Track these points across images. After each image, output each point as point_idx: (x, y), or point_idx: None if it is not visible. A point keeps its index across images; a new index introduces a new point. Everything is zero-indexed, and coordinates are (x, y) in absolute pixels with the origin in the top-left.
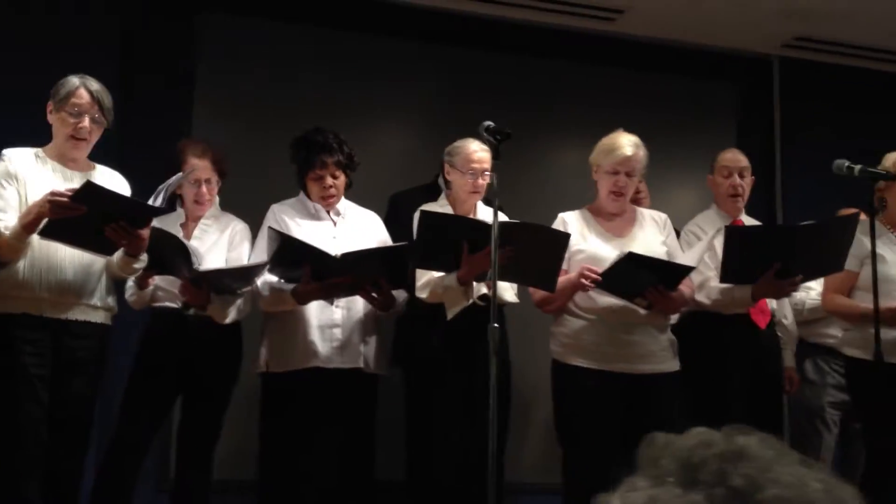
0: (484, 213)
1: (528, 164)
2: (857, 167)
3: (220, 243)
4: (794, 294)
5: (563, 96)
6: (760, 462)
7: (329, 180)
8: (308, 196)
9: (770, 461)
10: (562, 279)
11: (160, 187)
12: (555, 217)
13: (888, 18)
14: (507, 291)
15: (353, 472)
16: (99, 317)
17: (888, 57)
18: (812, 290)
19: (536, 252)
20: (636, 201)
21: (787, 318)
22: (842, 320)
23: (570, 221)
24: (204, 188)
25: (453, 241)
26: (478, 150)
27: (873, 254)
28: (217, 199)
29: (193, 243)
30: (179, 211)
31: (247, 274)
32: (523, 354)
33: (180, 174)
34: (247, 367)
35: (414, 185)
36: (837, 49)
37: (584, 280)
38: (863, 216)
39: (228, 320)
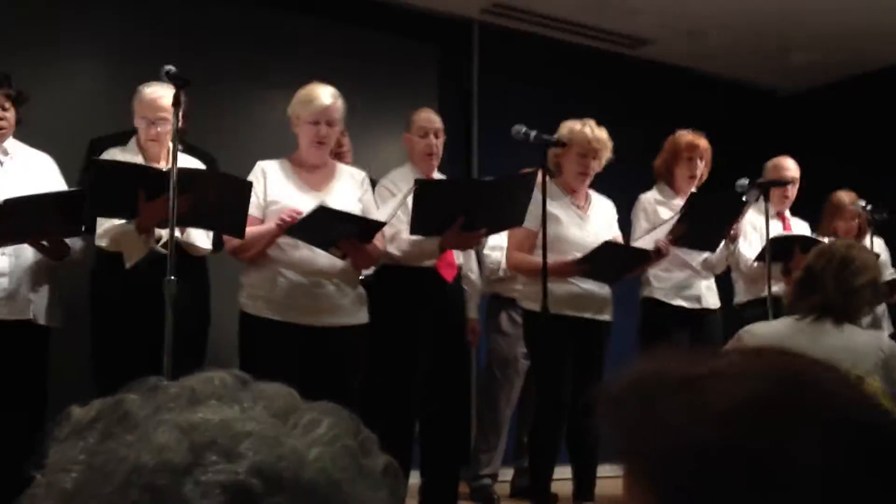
0: (185, 161)
1: (233, 111)
2: (533, 133)
3: None
4: (491, 254)
5: (268, 45)
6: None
7: None
8: None
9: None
10: (258, 228)
11: None
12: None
13: None
14: (201, 239)
15: (20, 430)
16: None
17: (577, 30)
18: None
19: (220, 199)
20: (339, 155)
21: (473, 272)
22: (522, 275)
23: (269, 171)
24: None
25: (131, 189)
26: (154, 97)
27: (543, 213)
28: None
29: None
30: None
31: None
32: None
33: None
34: None
35: (108, 128)
36: (533, 19)
37: (278, 224)
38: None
39: None
